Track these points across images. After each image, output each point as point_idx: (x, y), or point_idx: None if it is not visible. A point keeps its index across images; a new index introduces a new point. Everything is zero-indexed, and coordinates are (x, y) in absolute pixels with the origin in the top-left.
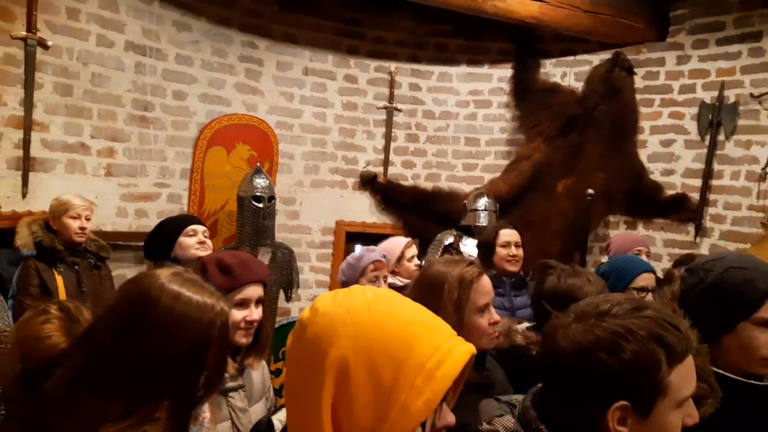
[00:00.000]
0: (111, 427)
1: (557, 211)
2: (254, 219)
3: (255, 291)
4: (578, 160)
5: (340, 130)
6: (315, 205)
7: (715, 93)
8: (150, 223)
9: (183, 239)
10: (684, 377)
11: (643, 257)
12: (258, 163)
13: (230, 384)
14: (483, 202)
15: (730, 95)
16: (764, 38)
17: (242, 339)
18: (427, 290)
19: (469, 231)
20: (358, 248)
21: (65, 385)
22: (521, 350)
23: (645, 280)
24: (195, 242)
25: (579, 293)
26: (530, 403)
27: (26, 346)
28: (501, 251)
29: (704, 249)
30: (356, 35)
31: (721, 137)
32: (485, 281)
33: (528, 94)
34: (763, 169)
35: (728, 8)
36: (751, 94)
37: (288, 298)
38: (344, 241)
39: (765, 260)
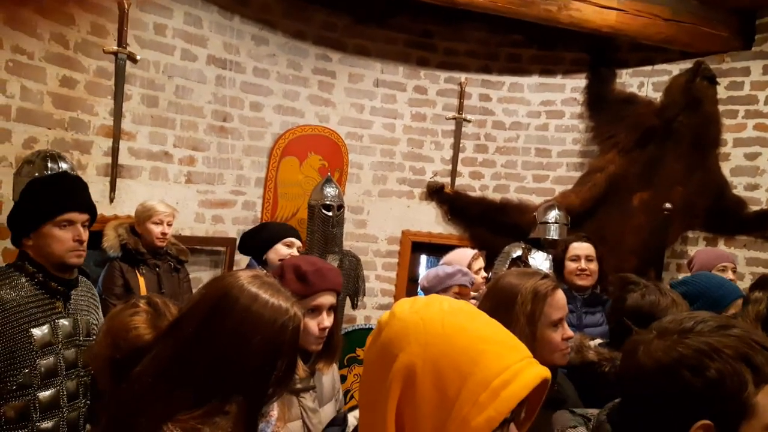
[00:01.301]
0: (184, 414)
1: (632, 226)
2: (323, 227)
3: (328, 299)
4: (655, 173)
5: (408, 141)
6: (382, 215)
7: None
8: (225, 229)
9: (280, 246)
10: None
11: (729, 273)
12: (329, 173)
13: (301, 385)
14: (553, 215)
15: None
16: None
17: (313, 346)
18: (499, 302)
19: (539, 244)
20: (424, 258)
21: (149, 374)
22: (594, 366)
23: (737, 307)
24: (288, 253)
25: (662, 312)
26: (606, 417)
27: (115, 335)
28: (570, 265)
29: None
30: (427, 47)
31: None
32: (560, 295)
33: (603, 105)
34: None
35: None
36: None
37: (354, 306)
38: (410, 250)
39: None
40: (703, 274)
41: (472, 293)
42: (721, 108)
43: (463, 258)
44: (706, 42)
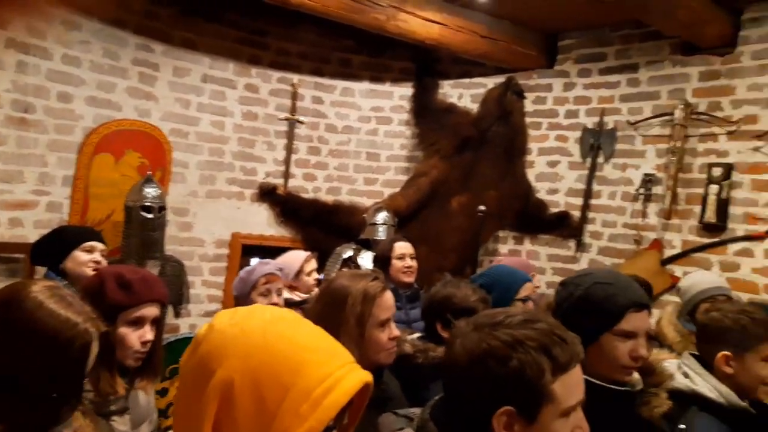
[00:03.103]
0: None
1: (452, 227)
2: (142, 230)
3: (152, 310)
4: (472, 177)
5: (239, 140)
6: (210, 217)
7: (596, 119)
8: (25, 234)
9: (78, 253)
10: (569, 387)
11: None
12: (149, 172)
13: (114, 407)
14: (382, 216)
15: (609, 121)
16: (641, 70)
17: (132, 361)
18: (330, 303)
19: (368, 245)
20: (254, 261)
21: None
22: (408, 359)
23: (526, 290)
24: (89, 259)
25: (456, 301)
26: (429, 415)
27: None
28: (397, 263)
29: (584, 263)
30: (259, 45)
31: (600, 160)
32: (388, 296)
33: (427, 113)
34: (637, 190)
35: (610, 41)
36: (628, 121)
37: (177, 314)
38: (240, 254)
39: (638, 274)
40: (497, 266)
41: (305, 295)
42: (527, 120)
43: (296, 260)
44: (517, 59)
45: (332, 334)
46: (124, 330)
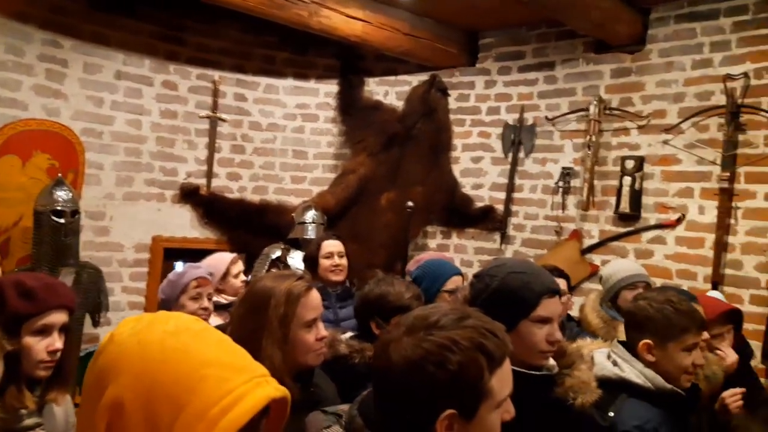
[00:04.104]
0: None
1: (381, 223)
2: (54, 236)
3: (60, 317)
4: (399, 174)
5: (157, 140)
6: (128, 220)
7: (517, 115)
8: None
9: None
10: (503, 380)
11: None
12: (59, 174)
13: (28, 422)
14: (311, 215)
15: (529, 117)
16: (557, 67)
17: (41, 372)
18: (253, 306)
19: (297, 244)
20: (179, 265)
21: None
22: (344, 359)
23: (454, 282)
24: None
25: (391, 299)
26: (357, 411)
27: None
28: (325, 262)
29: (509, 255)
30: (176, 40)
31: (521, 155)
32: (314, 296)
33: (353, 111)
34: (556, 183)
35: (528, 39)
36: (546, 117)
37: (95, 323)
38: (162, 258)
39: (559, 264)
40: (428, 260)
41: (232, 298)
42: (452, 117)
43: (221, 262)
44: (440, 57)
45: (255, 338)
46: (29, 340)
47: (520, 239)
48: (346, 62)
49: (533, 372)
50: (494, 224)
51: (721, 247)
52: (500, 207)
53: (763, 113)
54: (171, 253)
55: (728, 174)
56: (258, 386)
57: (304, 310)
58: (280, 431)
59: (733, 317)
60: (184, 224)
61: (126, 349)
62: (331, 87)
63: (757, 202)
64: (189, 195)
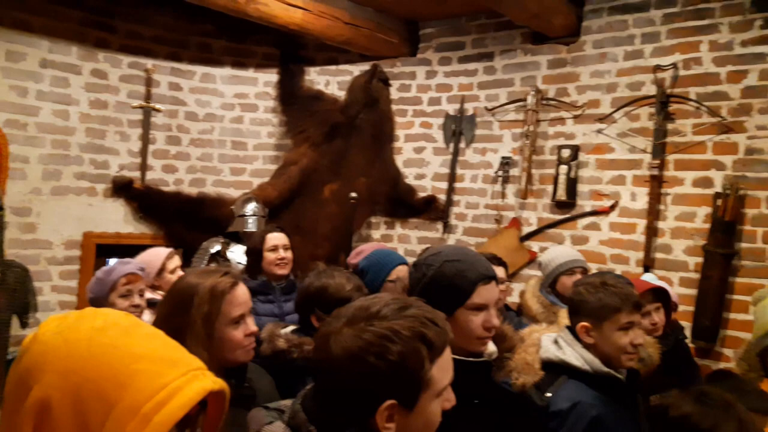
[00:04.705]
0: None
1: (325, 215)
2: None
3: None
4: (343, 165)
5: (87, 131)
6: (57, 216)
7: (457, 105)
8: None
9: None
10: (443, 369)
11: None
12: None
13: None
14: (251, 208)
15: (469, 108)
16: (496, 58)
17: None
18: (176, 304)
19: (237, 238)
20: (112, 261)
21: None
22: (283, 354)
23: (399, 272)
24: None
25: (331, 291)
26: (300, 405)
27: None
28: (269, 256)
29: (451, 243)
30: (105, 27)
31: (462, 145)
32: (240, 291)
33: (294, 100)
34: (496, 173)
35: (467, 30)
36: (486, 108)
37: (24, 325)
38: (94, 255)
39: (499, 251)
40: (374, 250)
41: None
42: (394, 107)
43: (157, 258)
44: (381, 47)
45: (179, 337)
46: None
47: (462, 228)
48: (286, 51)
49: (472, 359)
50: (437, 214)
51: (651, 232)
52: (442, 197)
53: (691, 103)
54: (104, 249)
55: (658, 162)
56: (194, 379)
57: (230, 307)
58: (218, 426)
59: (660, 296)
60: (117, 219)
61: (51, 347)
62: (270, 76)
63: (685, 188)
64: (122, 189)
